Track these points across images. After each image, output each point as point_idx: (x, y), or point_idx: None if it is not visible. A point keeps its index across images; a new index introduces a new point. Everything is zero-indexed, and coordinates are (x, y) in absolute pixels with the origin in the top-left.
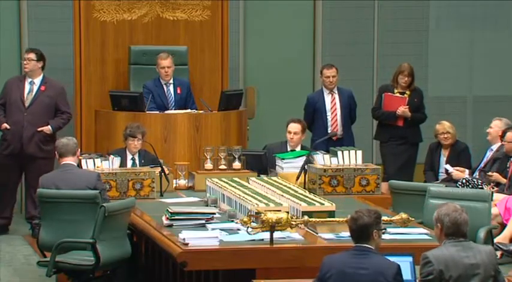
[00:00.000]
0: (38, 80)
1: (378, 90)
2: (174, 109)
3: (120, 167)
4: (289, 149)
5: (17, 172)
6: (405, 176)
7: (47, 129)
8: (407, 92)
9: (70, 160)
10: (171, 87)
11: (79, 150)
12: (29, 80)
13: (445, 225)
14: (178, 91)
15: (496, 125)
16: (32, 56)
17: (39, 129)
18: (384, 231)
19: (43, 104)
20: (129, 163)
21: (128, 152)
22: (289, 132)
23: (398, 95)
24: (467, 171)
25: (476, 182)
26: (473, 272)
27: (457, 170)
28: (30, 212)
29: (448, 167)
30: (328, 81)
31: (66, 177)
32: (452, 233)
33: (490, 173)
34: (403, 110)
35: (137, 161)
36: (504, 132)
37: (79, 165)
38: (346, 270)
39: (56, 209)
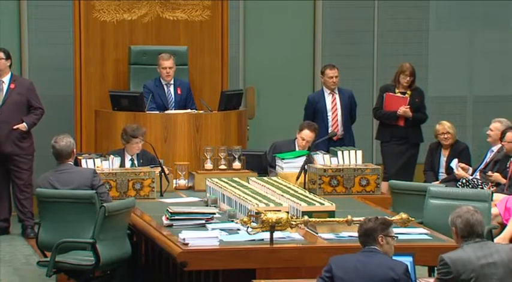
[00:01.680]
0: (6, 79)
1: (379, 90)
2: (174, 109)
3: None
4: (297, 149)
5: (1, 173)
6: (406, 176)
7: (22, 126)
8: (409, 92)
9: (67, 160)
10: (172, 88)
11: (75, 148)
12: None
13: (459, 227)
14: (179, 91)
15: (496, 128)
16: (1, 55)
17: (15, 127)
18: (395, 238)
19: (14, 102)
20: (128, 164)
21: (126, 153)
22: (302, 139)
23: (399, 94)
24: (470, 169)
25: (476, 182)
26: (491, 272)
27: (462, 167)
28: (20, 213)
29: (453, 164)
30: (331, 82)
31: (62, 177)
32: (467, 234)
33: (489, 173)
34: (404, 110)
35: (136, 162)
36: (504, 133)
37: (77, 162)
38: (356, 265)
39: (55, 209)
